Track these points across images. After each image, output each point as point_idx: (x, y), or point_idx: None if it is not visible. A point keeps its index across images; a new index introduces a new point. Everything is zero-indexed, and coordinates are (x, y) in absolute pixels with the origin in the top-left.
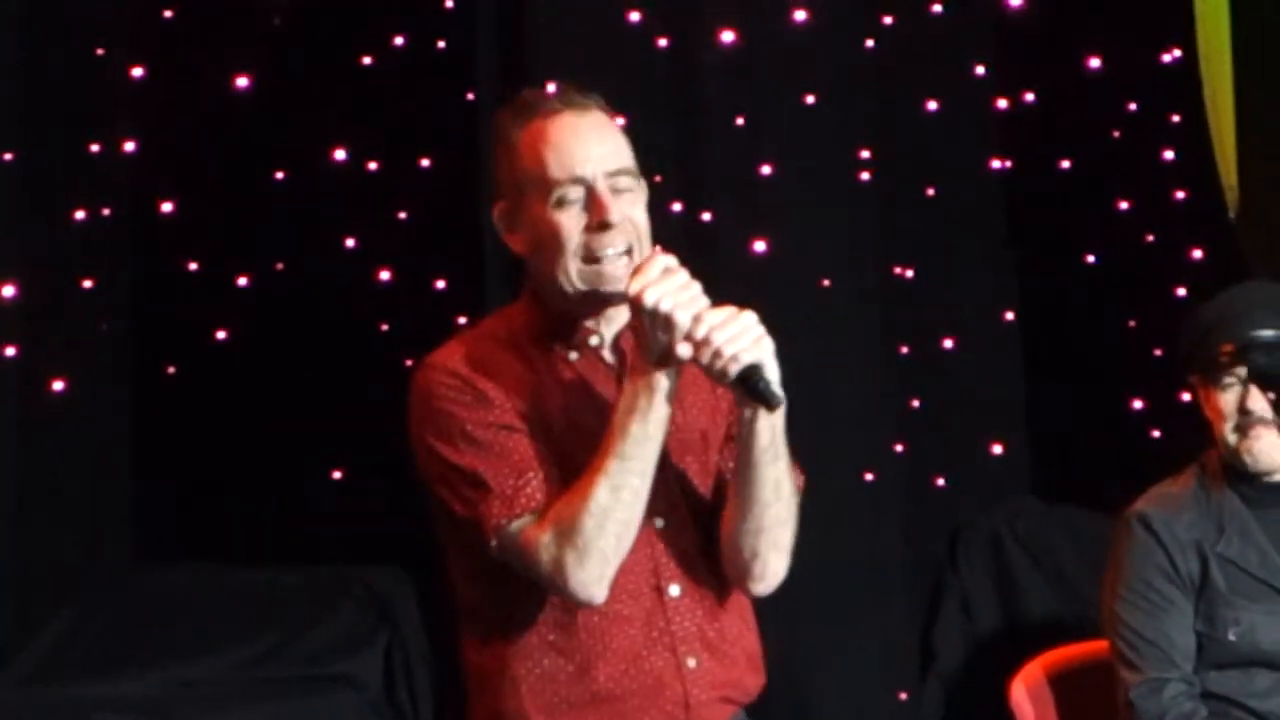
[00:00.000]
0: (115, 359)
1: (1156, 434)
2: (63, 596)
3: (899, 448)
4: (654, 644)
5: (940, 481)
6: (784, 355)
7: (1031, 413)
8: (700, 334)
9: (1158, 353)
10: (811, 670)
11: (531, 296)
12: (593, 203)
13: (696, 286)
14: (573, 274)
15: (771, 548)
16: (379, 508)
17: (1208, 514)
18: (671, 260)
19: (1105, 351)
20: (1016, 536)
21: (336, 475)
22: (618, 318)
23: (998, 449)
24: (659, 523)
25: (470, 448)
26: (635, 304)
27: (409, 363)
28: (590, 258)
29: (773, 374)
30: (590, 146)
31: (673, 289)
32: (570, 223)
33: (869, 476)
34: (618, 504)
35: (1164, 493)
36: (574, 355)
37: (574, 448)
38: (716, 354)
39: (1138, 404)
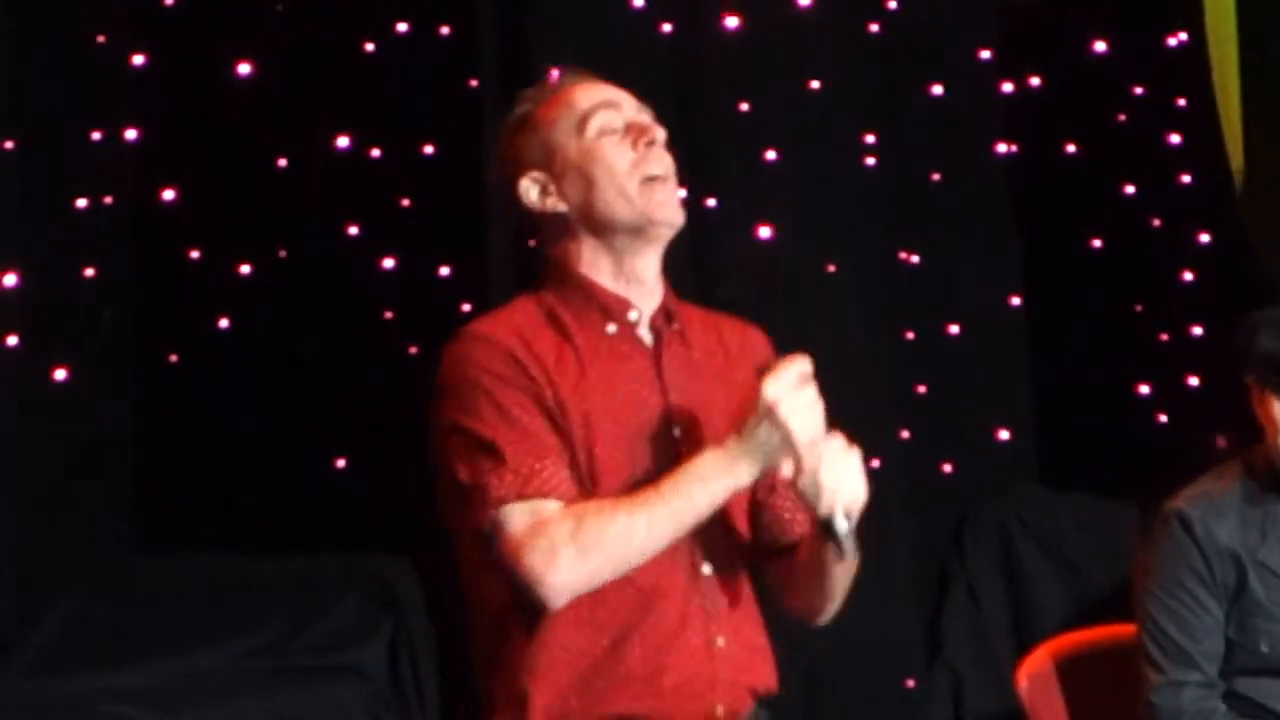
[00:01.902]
0: (117, 348)
1: (1163, 419)
2: (64, 587)
3: (904, 434)
4: (690, 619)
5: (946, 468)
6: (788, 341)
7: (1038, 399)
8: (809, 464)
9: (1164, 337)
10: (818, 657)
11: (559, 278)
12: (632, 126)
13: (819, 406)
14: (632, 193)
15: (828, 599)
16: (384, 496)
17: (1251, 519)
18: (807, 368)
19: (1111, 336)
20: (1024, 523)
21: (340, 464)
22: (653, 293)
23: (1004, 435)
24: None
25: (495, 419)
26: (768, 407)
27: (413, 350)
28: (645, 176)
29: (854, 517)
30: (615, 91)
31: (801, 405)
32: (614, 143)
33: (874, 463)
34: (638, 542)
35: (1206, 492)
36: (612, 328)
37: (611, 418)
38: (816, 485)
39: (1144, 389)
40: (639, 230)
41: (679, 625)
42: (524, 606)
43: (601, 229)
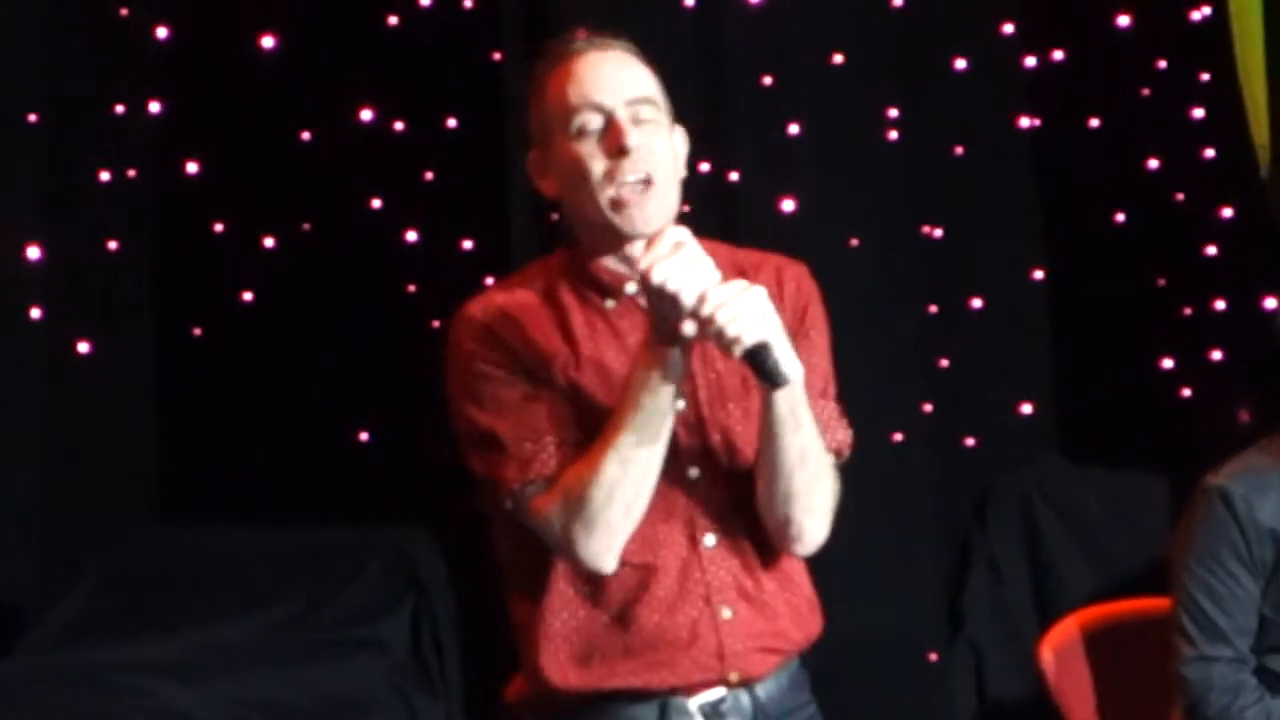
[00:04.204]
0: (141, 321)
1: (1186, 393)
2: (88, 559)
3: (928, 408)
4: (689, 594)
5: (969, 441)
6: None
7: (1060, 372)
8: (705, 312)
9: (1187, 311)
10: (840, 630)
11: (569, 244)
12: (609, 129)
13: (706, 262)
14: (601, 202)
15: (804, 512)
16: (406, 469)
17: None
18: (683, 233)
19: (1134, 310)
20: (1046, 497)
21: (363, 437)
22: None
23: (1027, 409)
24: (693, 473)
25: (492, 406)
26: (644, 279)
27: (436, 324)
28: (613, 196)
29: (780, 351)
30: (608, 75)
31: (680, 266)
32: (589, 150)
33: (898, 437)
34: (626, 477)
35: (1250, 467)
36: (610, 303)
37: (606, 395)
38: (720, 333)
39: (1167, 363)
40: (614, 232)
41: (678, 599)
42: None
43: (583, 222)
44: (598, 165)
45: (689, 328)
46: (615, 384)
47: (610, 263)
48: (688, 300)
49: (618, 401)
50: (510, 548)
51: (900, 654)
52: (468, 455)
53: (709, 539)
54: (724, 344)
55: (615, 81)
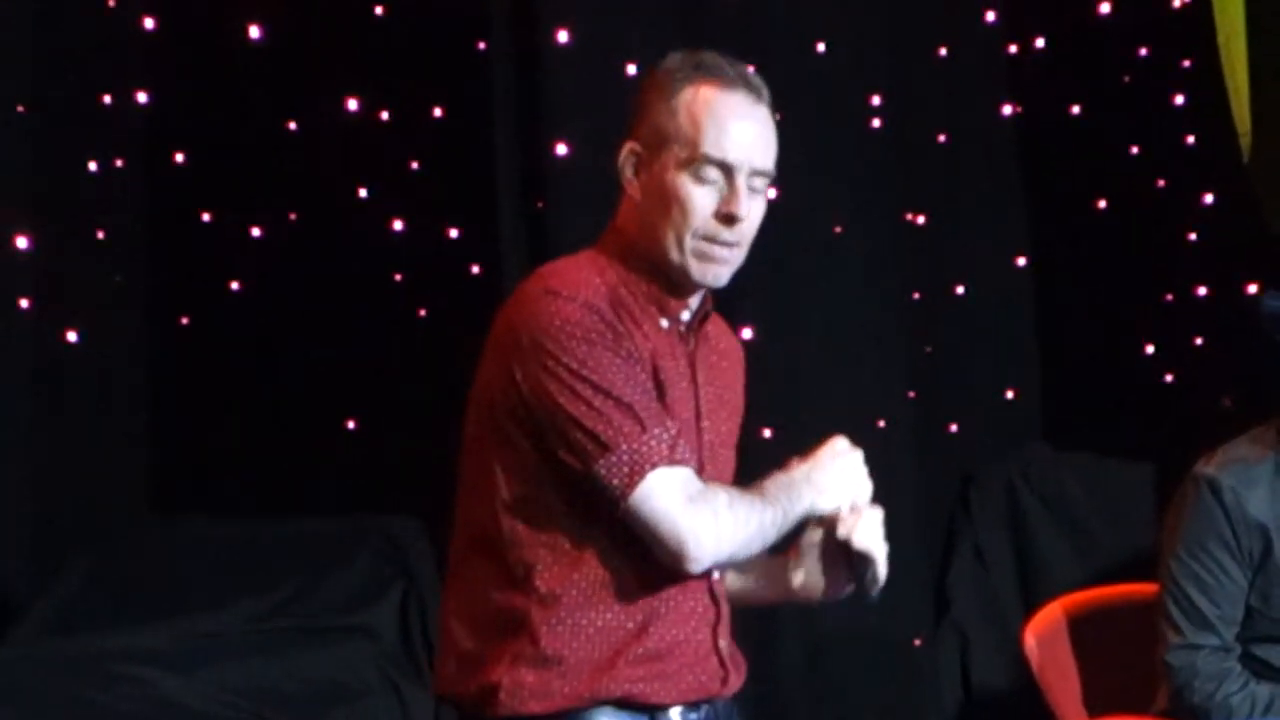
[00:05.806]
0: (129, 310)
1: (1169, 378)
2: (78, 549)
3: (911, 395)
4: (703, 618)
5: (953, 428)
6: (797, 303)
7: (1044, 358)
8: (864, 505)
9: (1169, 297)
10: (824, 618)
11: (624, 252)
12: (730, 193)
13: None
14: (686, 246)
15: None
16: (394, 457)
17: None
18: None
19: (1117, 296)
20: (1030, 483)
21: (351, 425)
22: (696, 300)
23: (1010, 395)
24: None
25: (623, 378)
26: (849, 449)
27: (422, 312)
28: (706, 237)
29: (881, 574)
30: (751, 136)
31: (848, 469)
32: (702, 199)
33: (881, 423)
34: (765, 531)
35: (1238, 458)
36: (665, 323)
37: (665, 398)
38: (854, 509)
39: (1149, 349)
40: (680, 273)
41: (695, 619)
42: (661, 565)
43: (652, 246)
44: (700, 215)
45: (847, 507)
46: (672, 395)
47: (670, 287)
48: (864, 487)
49: (774, 483)
50: (551, 533)
51: (885, 639)
52: (587, 422)
53: (715, 571)
54: (845, 534)
55: (753, 145)
